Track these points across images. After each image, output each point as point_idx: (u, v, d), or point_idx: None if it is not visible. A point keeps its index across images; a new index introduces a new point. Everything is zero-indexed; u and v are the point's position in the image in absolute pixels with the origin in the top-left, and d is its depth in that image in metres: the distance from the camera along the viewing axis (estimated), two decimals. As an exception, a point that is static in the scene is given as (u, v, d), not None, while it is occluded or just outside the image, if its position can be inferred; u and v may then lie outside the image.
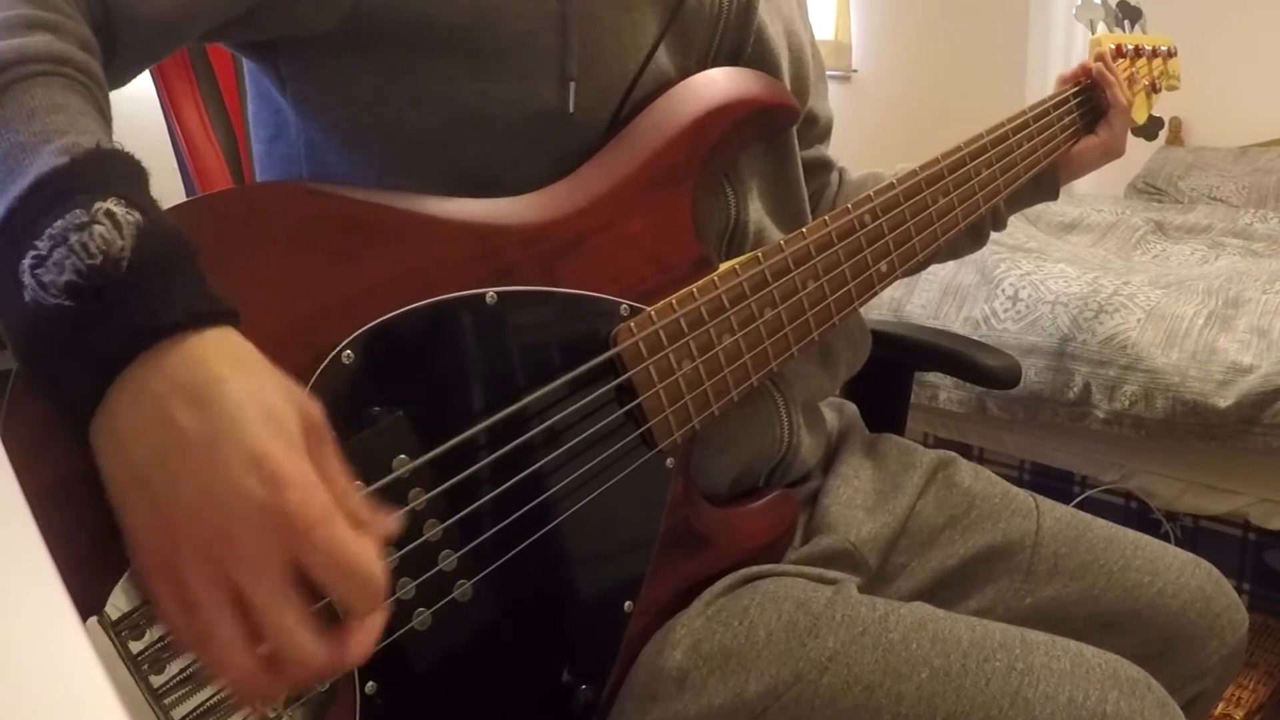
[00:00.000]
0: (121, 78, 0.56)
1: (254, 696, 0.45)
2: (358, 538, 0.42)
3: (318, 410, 0.45)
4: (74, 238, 0.41)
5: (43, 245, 0.41)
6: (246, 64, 0.67)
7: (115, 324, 0.41)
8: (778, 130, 0.77)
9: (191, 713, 0.47)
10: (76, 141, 0.44)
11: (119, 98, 0.54)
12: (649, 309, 0.64)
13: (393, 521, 0.46)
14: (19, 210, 0.42)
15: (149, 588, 0.43)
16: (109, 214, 0.42)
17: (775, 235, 0.76)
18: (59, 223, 0.41)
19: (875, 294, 0.77)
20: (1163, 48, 1.12)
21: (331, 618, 0.44)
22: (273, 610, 0.41)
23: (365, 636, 0.44)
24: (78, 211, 0.42)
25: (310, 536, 0.41)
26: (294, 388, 0.44)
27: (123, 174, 0.45)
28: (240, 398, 0.42)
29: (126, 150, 0.46)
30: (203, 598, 0.41)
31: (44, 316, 0.41)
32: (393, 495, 0.52)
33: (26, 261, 0.41)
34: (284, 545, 0.41)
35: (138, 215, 0.43)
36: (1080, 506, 0.88)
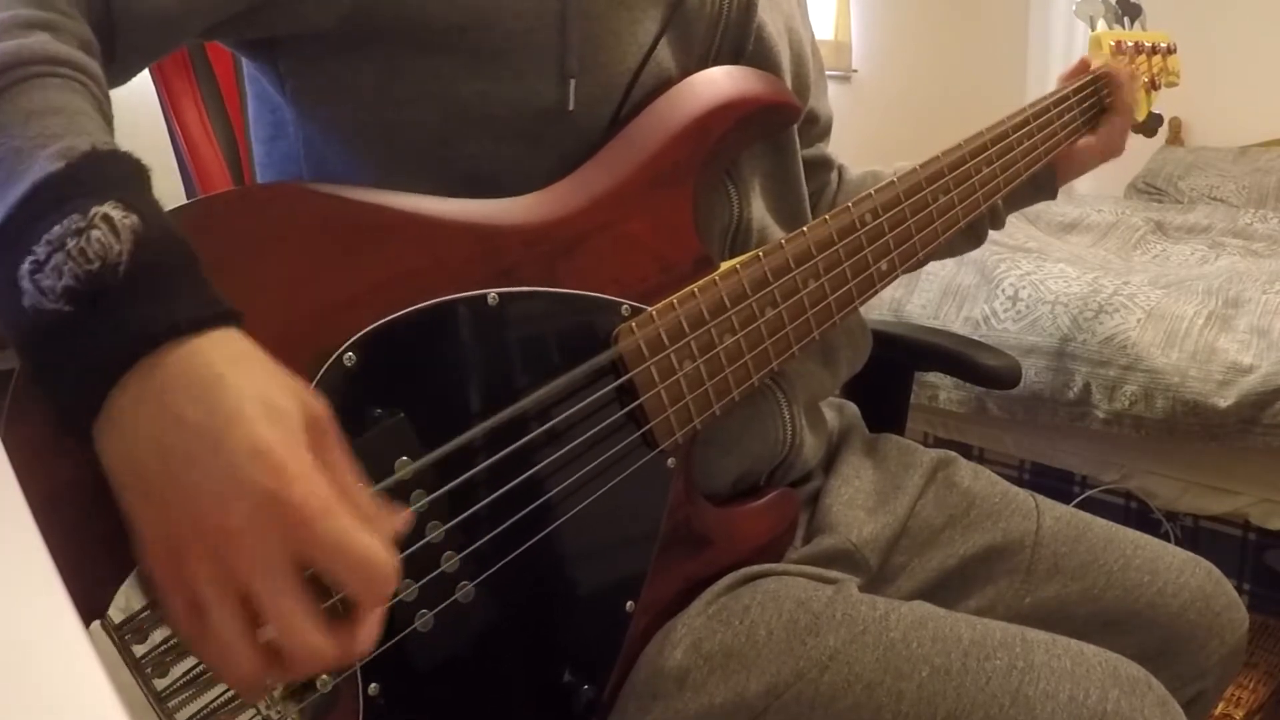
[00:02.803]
0: (122, 75, 0.56)
1: (257, 693, 0.45)
2: (363, 529, 0.42)
3: (321, 406, 0.44)
4: (71, 243, 0.41)
5: (40, 251, 0.41)
6: (245, 64, 0.67)
7: (114, 330, 0.41)
8: (780, 128, 0.77)
9: (195, 716, 0.47)
10: (73, 145, 0.44)
11: (119, 98, 0.53)
12: (650, 308, 0.64)
13: (401, 518, 0.46)
14: (16, 216, 0.42)
15: (155, 587, 0.43)
16: (106, 218, 0.42)
17: (777, 234, 0.76)
18: (56, 228, 0.41)
19: (876, 292, 0.77)
20: (1162, 44, 1.12)
21: (334, 612, 0.44)
22: (278, 603, 0.41)
23: (371, 629, 0.44)
24: (75, 217, 0.42)
25: (314, 527, 0.40)
26: (296, 384, 0.44)
27: (121, 176, 0.45)
28: (240, 392, 0.41)
29: (125, 151, 0.46)
30: (207, 593, 0.41)
31: (43, 322, 0.41)
32: (395, 497, 0.52)
33: (25, 267, 0.41)
34: (289, 537, 0.40)
35: (135, 219, 0.43)
36: (1080, 506, 0.88)
